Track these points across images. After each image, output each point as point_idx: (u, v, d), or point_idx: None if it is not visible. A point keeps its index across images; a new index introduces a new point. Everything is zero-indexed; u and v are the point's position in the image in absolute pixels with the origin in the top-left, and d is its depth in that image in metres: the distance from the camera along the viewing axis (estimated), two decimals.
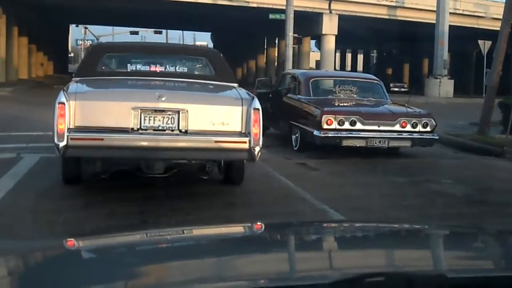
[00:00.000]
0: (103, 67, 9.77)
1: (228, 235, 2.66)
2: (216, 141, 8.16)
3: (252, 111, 8.17)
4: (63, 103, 7.87)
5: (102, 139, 7.96)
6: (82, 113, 7.98)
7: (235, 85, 9.41)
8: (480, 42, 38.01)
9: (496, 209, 8.80)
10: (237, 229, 2.96)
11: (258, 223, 2.73)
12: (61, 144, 7.79)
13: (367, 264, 2.23)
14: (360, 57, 76.08)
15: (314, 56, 62.89)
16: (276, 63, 55.62)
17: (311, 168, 11.79)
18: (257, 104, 8.29)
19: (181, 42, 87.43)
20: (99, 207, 7.83)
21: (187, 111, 8.15)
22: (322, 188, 9.93)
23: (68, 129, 7.83)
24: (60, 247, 2.40)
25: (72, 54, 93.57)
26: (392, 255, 2.42)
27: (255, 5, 39.26)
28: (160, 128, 8.14)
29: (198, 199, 8.54)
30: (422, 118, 13.08)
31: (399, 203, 9.07)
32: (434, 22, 39.73)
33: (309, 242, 2.64)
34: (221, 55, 10.57)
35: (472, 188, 10.45)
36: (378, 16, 43.12)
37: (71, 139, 7.82)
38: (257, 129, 8.13)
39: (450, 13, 40.24)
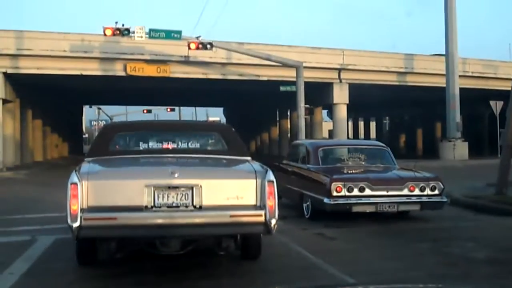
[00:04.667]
0: (116, 146, 9.76)
1: None
2: (231, 215, 7.99)
3: (267, 183, 8.08)
4: (76, 184, 7.81)
5: (116, 219, 7.81)
6: (95, 192, 7.89)
7: (248, 158, 9.38)
8: (492, 102, 38.05)
9: None
10: None
11: None
12: (75, 225, 7.67)
13: None
14: (373, 125, 76.30)
15: (327, 125, 63.19)
16: (289, 134, 55.83)
17: (329, 238, 11.66)
18: (271, 176, 8.20)
19: (194, 118, 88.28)
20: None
21: (201, 186, 8.05)
22: (342, 258, 9.79)
23: (81, 209, 7.74)
24: None
25: (86, 135, 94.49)
26: None
27: (265, 78, 39.60)
28: (174, 204, 8.00)
29: (218, 278, 8.39)
30: (430, 182, 13.31)
31: (421, 269, 8.88)
32: (444, 85, 39.87)
33: None
34: (233, 129, 10.55)
35: (493, 250, 10.27)
36: (388, 82, 43.33)
37: (85, 219, 7.70)
38: (272, 202, 8.00)
39: (460, 75, 40.40)
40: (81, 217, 7.70)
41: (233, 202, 8.07)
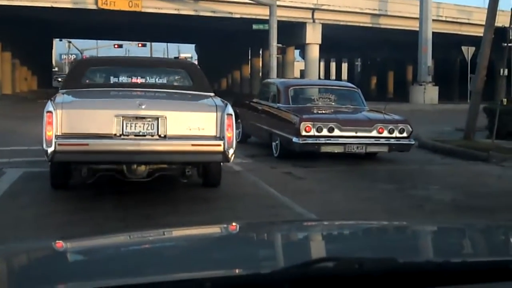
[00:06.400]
0: (88, 80, 10.46)
1: (205, 235, 2.83)
2: (192, 145, 8.83)
3: (226, 116, 8.84)
4: (51, 112, 8.50)
5: (87, 145, 8.58)
6: (68, 121, 8.59)
7: (211, 94, 10.14)
8: (464, 48, 38.14)
9: (483, 214, 8.78)
10: (213, 229, 3.09)
11: (233, 224, 2.87)
12: (49, 150, 8.41)
13: (323, 252, 2.38)
14: (345, 66, 76.28)
15: (299, 65, 63.01)
16: (260, 73, 55.66)
17: (297, 177, 11.76)
18: (230, 110, 9.00)
19: (166, 55, 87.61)
20: (84, 222, 7.74)
21: (165, 117, 8.78)
22: (308, 196, 9.90)
23: (55, 135, 8.44)
24: (49, 248, 2.50)
25: (56, 69, 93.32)
26: (352, 245, 2.53)
27: (238, 16, 39.25)
28: (141, 133, 8.74)
29: (183, 215, 8.48)
30: (399, 124, 13.43)
31: (385, 209, 9.02)
32: (417, 29, 39.84)
33: (274, 238, 2.77)
34: (198, 67, 11.33)
35: (459, 193, 10.43)
36: (361, 24, 43.21)
37: (59, 144, 8.42)
38: (230, 133, 8.79)
39: (433, 20, 40.38)
40: (55, 143, 8.40)
41: (195, 132, 8.84)
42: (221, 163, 9.51)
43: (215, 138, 8.83)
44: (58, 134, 8.48)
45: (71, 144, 8.57)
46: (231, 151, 8.79)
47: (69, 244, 2.59)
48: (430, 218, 8.31)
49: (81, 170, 9.09)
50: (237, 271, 1.89)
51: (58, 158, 8.58)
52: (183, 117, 9.01)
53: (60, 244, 2.53)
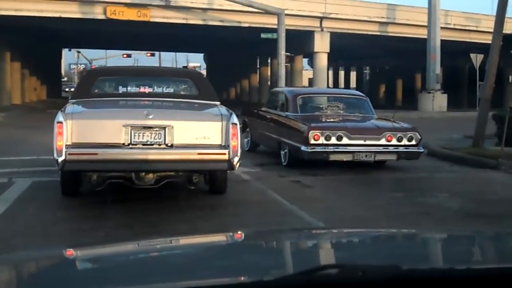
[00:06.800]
0: (97, 90, 10.68)
1: (211, 243, 2.86)
2: (199, 153, 9.01)
3: (231, 125, 9.08)
4: (61, 122, 8.75)
5: (97, 154, 8.83)
6: (78, 131, 8.86)
7: (217, 103, 10.36)
8: (472, 55, 38.08)
9: (492, 220, 8.74)
10: (219, 237, 3.12)
11: (239, 232, 2.91)
12: (60, 159, 8.65)
13: (327, 260, 2.39)
14: (353, 74, 76.21)
15: (307, 74, 63.03)
16: (269, 82, 55.65)
17: (305, 186, 11.75)
18: (235, 119, 9.24)
19: (174, 64, 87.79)
20: (94, 230, 7.77)
21: (172, 127, 9.03)
22: (317, 205, 9.90)
23: (66, 145, 8.68)
24: (59, 256, 2.52)
25: (65, 78, 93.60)
26: (357, 253, 2.55)
27: (246, 25, 39.29)
28: (148, 142, 8.99)
29: (194, 223, 8.50)
30: (407, 132, 13.41)
31: (393, 217, 9.02)
32: (426, 37, 39.81)
33: (279, 245, 2.79)
34: (204, 76, 11.61)
35: (468, 201, 10.40)
36: (369, 32, 43.16)
37: (69, 154, 8.66)
38: (235, 142, 9.04)
39: (442, 27, 40.32)
40: (65, 152, 8.64)
41: (201, 141, 9.07)
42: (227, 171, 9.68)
43: (220, 146, 9.05)
44: (68, 143, 8.72)
45: (81, 154, 8.81)
46: (236, 159, 9.03)
47: (79, 252, 2.62)
48: (438, 226, 8.29)
49: (90, 178, 9.27)
50: (242, 278, 1.90)
51: (69, 167, 8.81)
52: (189, 127, 9.24)
53: (70, 252, 2.56)
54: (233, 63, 60.15)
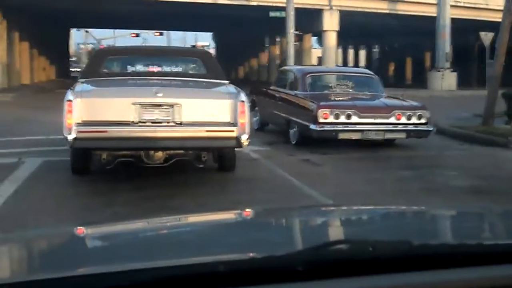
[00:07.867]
0: (106, 69, 10.82)
1: (220, 220, 2.86)
2: (207, 131, 9.11)
3: (239, 103, 9.13)
4: (71, 101, 8.87)
5: (107, 131, 8.93)
6: (88, 109, 8.96)
7: (226, 82, 10.46)
8: (482, 34, 37.83)
9: (501, 198, 8.74)
10: (228, 215, 3.11)
11: (247, 210, 2.96)
12: (70, 137, 8.77)
13: (337, 236, 2.39)
14: (362, 53, 75.91)
15: (316, 52, 62.81)
16: (278, 61, 55.55)
17: (314, 164, 11.77)
18: (243, 97, 9.31)
19: (183, 43, 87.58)
20: (104, 207, 7.82)
21: (181, 105, 9.10)
22: (326, 182, 9.92)
23: (76, 123, 8.78)
24: (70, 234, 2.55)
25: (74, 58, 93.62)
26: (367, 229, 2.55)
27: (255, 3, 39.15)
28: (157, 120, 9.07)
29: (203, 196, 8.59)
30: (417, 110, 13.40)
31: (403, 194, 9.02)
32: (435, 15, 39.58)
33: (288, 222, 2.79)
34: (213, 55, 11.67)
35: (477, 179, 10.39)
36: (379, 10, 42.96)
37: (79, 132, 8.78)
38: (243, 119, 9.09)
39: (451, 5, 40.07)
40: (76, 130, 8.76)
41: (209, 119, 9.18)
42: (235, 148, 9.74)
43: (228, 124, 9.12)
44: (78, 121, 8.81)
45: (91, 131, 8.91)
46: (244, 137, 9.08)
47: (89, 229, 2.64)
48: (447, 203, 8.29)
49: (100, 156, 9.40)
50: (250, 254, 1.90)
51: (79, 144, 8.92)
52: (197, 104, 9.33)
53: (80, 230, 2.58)
54: (242, 42, 59.99)
